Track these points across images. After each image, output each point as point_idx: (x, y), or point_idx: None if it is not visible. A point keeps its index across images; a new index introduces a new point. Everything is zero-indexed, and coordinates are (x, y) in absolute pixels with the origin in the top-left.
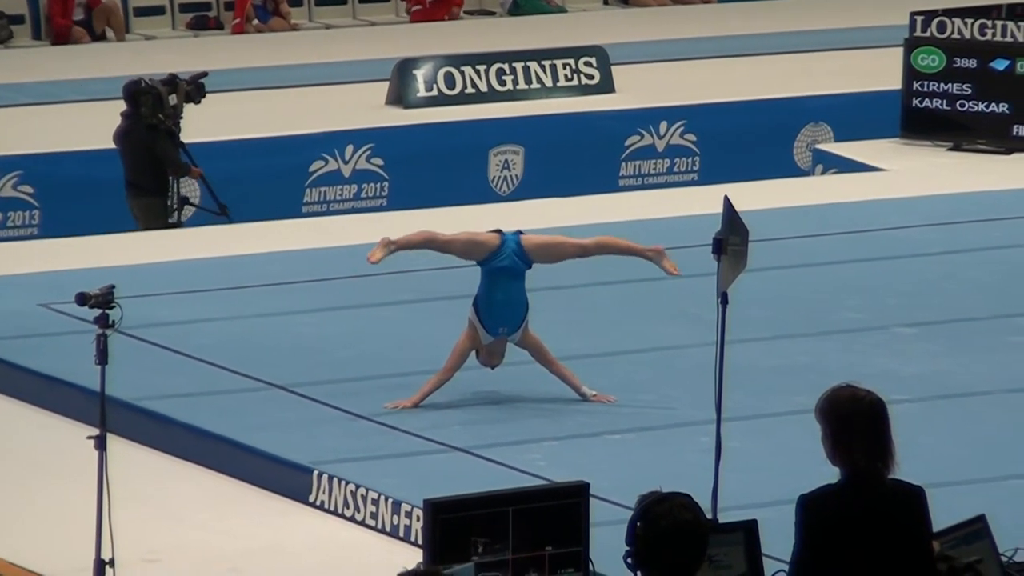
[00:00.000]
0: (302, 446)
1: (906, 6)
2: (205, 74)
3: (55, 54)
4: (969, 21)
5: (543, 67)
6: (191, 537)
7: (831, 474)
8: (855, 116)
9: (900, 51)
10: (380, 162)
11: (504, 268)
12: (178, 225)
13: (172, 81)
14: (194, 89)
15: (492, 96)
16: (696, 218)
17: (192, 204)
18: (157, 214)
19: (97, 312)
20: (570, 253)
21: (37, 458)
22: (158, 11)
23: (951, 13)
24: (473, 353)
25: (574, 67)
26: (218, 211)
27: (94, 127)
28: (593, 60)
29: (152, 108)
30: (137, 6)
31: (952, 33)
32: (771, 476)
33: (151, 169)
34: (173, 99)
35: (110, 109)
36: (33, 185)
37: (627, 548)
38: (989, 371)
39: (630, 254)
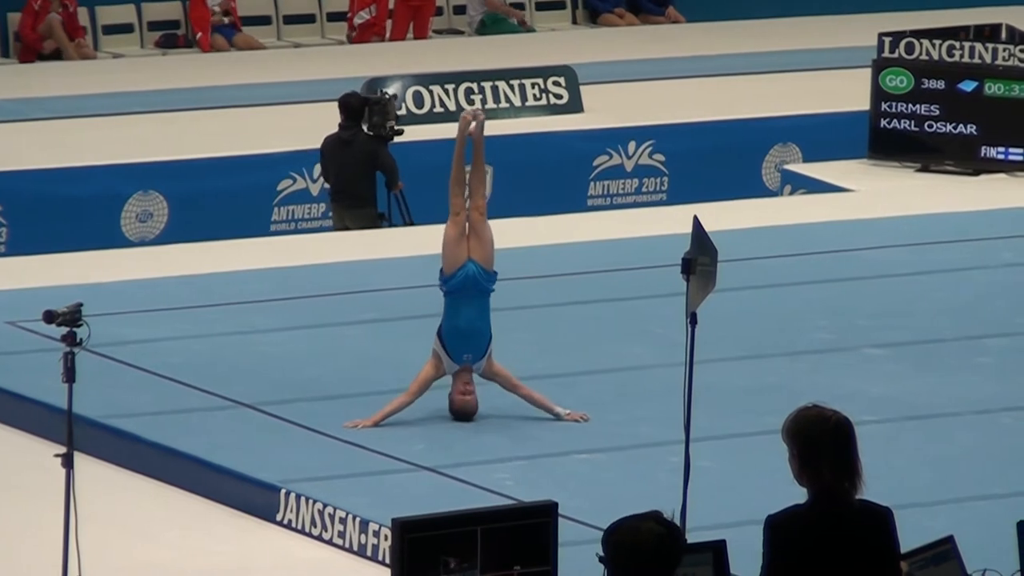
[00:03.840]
0: (269, 465)
1: (874, 27)
2: (394, 97)
3: (23, 71)
4: (937, 42)
5: (511, 86)
6: (159, 556)
7: (799, 494)
8: (824, 136)
9: (868, 72)
10: None
11: (467, 298)
12: None
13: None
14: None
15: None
16: (665, 238)
17: (386, 219)
18: (369, 224)
19: (64, 330)
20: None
21: (3, 476)
22: (127, 29)
23: (919, 34)
24: (451, 398)
25: (543, 86)
26: (406, 224)
27: (62, 144)
28: (562, 80)
29: (383, 118)
30: (106, 24)
31: (920, 54)
32: (739, 496)
33: (368, 180)
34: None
35: (77, 127)
36: (1, 203)
37: (600, 554)
38: (957, 392)
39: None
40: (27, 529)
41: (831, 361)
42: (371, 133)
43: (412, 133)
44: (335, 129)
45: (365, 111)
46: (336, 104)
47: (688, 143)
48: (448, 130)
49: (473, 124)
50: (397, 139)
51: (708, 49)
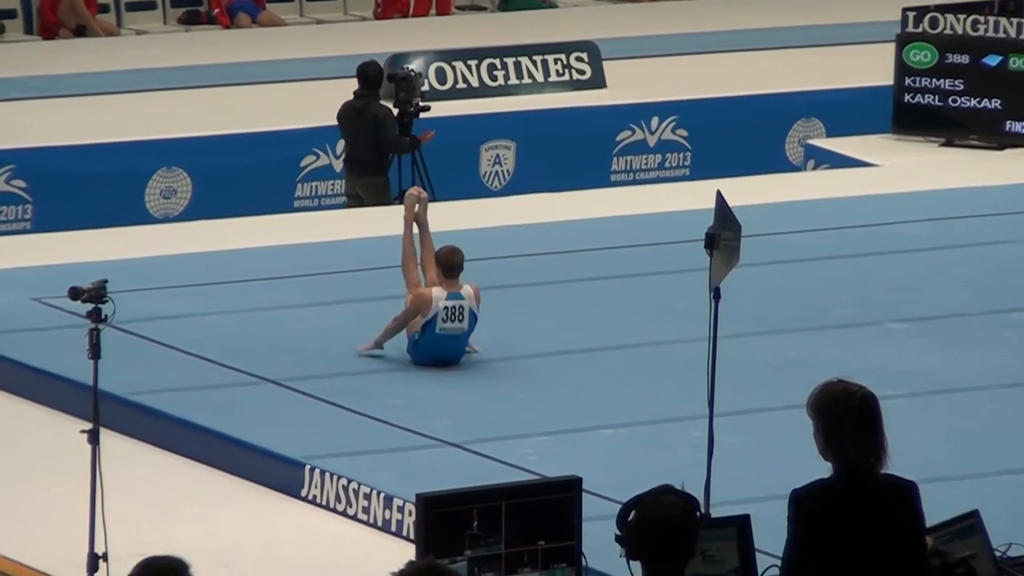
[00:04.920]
0: (294, 440)
1: (898, 2)
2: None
3: (47, 49)
4: (961, 17)
5: (534, 62)
6: (183, 531)
7: (823, 469)
8: (847, 112)
9: (892, 47)
10: None
11: None
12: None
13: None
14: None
15: (483, 91)
16: (687, 213)
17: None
18: (381, 192)
19: (90, 306)
20: None
21: (30, 452)
22: (149, 6)
23: (943, 9)
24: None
25: (565, 62)
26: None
27: (87, 121)
28: (584, 55)
29: (409, 94)
30: (129, 1)
31: (944, 29)
32: (763, 471)
33: (377, 149)
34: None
35: (101, 104)
36: (26, 179)
37: (617, 533)
38: (981, 366)
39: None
40: (54, 504)
41: (854, 336)
42: (397, 109)
43: (434, 109)
44: (332, 107)
45: (388, 85)
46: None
47: (711, 118)
48: (471, 106)
49: (417, 205)
50: (423, 115)
51: (731, 24)
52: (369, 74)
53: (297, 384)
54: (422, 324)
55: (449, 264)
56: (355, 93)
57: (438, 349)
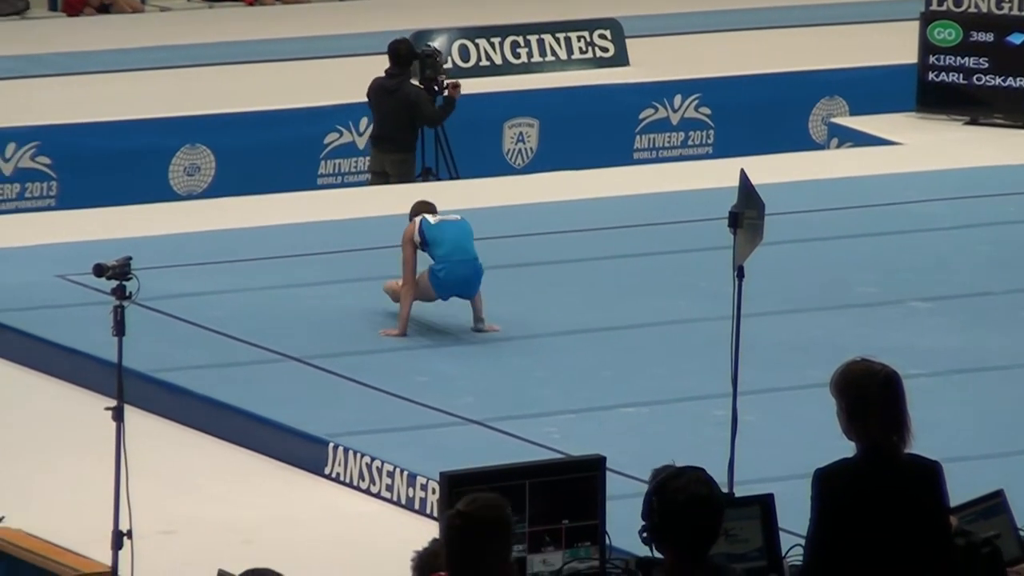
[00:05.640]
0: (318, 418)
1: None
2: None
3: (71, 25)
4: None
5: (558, 40)
6: (207, 509)
7: (847, 448)
8: (871, 90)
9: (916, 24)
10: None
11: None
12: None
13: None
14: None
15: (507, 69)
16: (711, 191)
17: (433, 173)
18: (409, 169)
19: (114, 284)
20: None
21: (55, 429)
22: None
23: None
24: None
25: (588, 40)
26: (452, 178)
27: (111, 98)
28: (608, 33)
29: (435, 71)
30: None
31: (968, 7)
32: (787, 450)
33: (409, 128)
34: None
35: (125, 81)
36: (51, 156)
37: (643, 523)
38: (1005, 345)
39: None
40: (79, 481)
41: (878, 315)
42: (422, 87)
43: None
44: (380, 75)
45: (415, 63)
46: (382, 56)
47: (734, 96)
48: (494, 83)
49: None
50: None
51: (755, 2)
52: (400, 52)
53: (320, 362)
54: (426, 251)
55: (426, 205)
56: (386, 72)
57: (455, 273)
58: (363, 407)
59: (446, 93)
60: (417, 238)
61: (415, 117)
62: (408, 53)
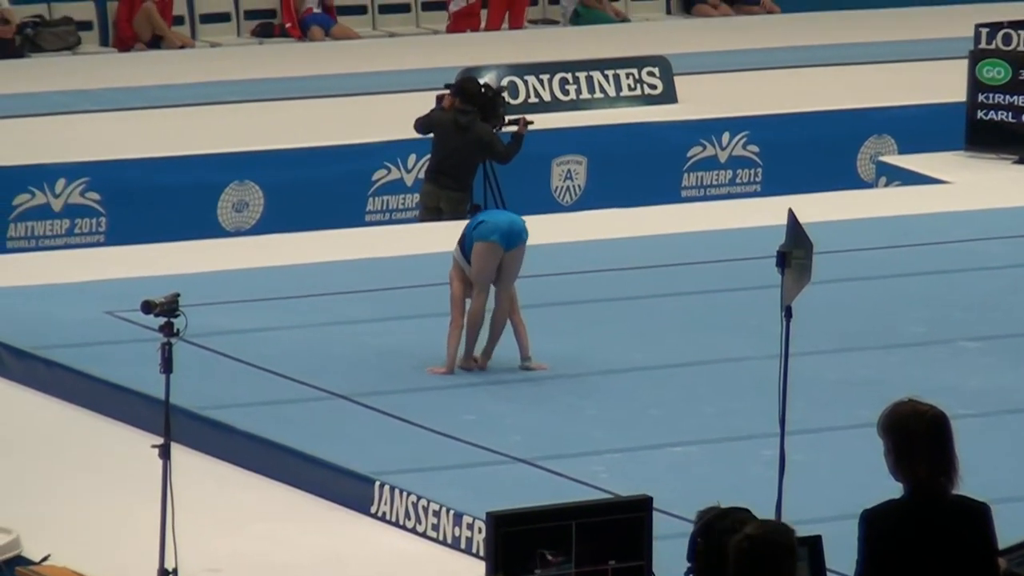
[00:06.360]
0: (364, 456)
1: (971, 18)
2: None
3: (122, 61)
4: None
5: (606, 77)
6: (253, 547)
7: (895, 489)
8: (919, 128)
9: (965, 63)
10: None
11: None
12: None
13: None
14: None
15: (555, 106)
16: (758, 230)
17: (481, 209)
18: (462, 206)
19: (162, 320)
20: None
21: (101, 466)
22: (224, 18)
23: (1017, 25)
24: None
25: (637, 77)
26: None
27: (161, 134)
28: (656, 70)
29: (505, 111)
30: (203, 13)
31: (1018, 45)
32: (834, 490)
33: (475, 167)
34: None
35: (174, 116)
36: (100, 192)
37: (688, 565)
38: None
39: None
40: (125, 519)
41: (926, 354)
42: (493, 125)
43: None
44: (404, 121)
45: (490, 101)
46: (428, 92)
47: (782, 134)
48: (543, 120)
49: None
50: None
51: (803, 40)
52: (470, 90)
53: (367, 400)
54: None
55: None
56: (457, 109)
57: (497, 218)
58: (410, 445)
59: (515, 129)
60: (456, 249)
61: (488, 156)
62: (476, 91)
